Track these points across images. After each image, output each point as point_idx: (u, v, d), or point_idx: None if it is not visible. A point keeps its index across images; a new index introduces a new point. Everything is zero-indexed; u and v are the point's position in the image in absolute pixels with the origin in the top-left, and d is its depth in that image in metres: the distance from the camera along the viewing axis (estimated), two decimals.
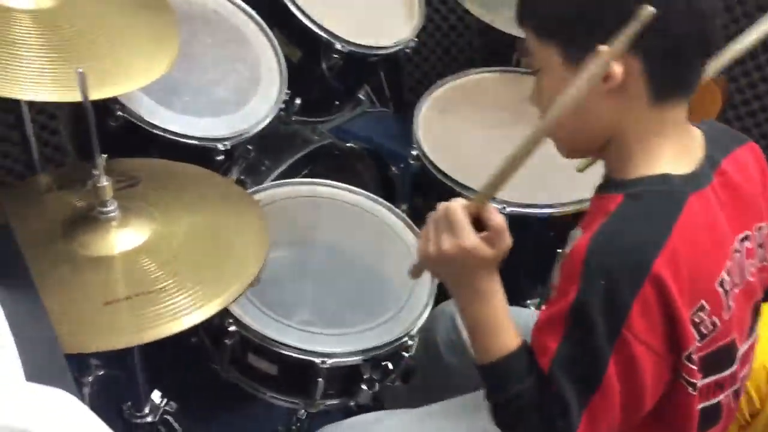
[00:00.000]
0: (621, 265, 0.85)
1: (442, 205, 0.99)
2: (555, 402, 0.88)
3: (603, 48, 0.85)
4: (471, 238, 0.95)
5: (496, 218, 0.98)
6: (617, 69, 0.88)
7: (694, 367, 0.91)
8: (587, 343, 0.87)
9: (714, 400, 0.99)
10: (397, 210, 1.65)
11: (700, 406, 0.96)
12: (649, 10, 0.82)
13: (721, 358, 0.97)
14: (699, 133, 0.99)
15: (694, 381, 0.92)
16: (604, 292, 0.85)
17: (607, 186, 1.00)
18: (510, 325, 0.98)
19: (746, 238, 0.98)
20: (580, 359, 0.88)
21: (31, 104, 1.39)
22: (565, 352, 0.88)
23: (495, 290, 0.98)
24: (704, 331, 0.92)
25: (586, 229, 0.93)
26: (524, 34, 0.98)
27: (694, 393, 0.93)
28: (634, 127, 0.94)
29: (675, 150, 0.94)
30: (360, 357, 1.35)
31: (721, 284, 0.93)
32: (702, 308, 0.90)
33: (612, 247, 0.87)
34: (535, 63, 0.98)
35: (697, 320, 0.90)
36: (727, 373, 0.99)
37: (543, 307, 0.99)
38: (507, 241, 0.98)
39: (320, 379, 1.35)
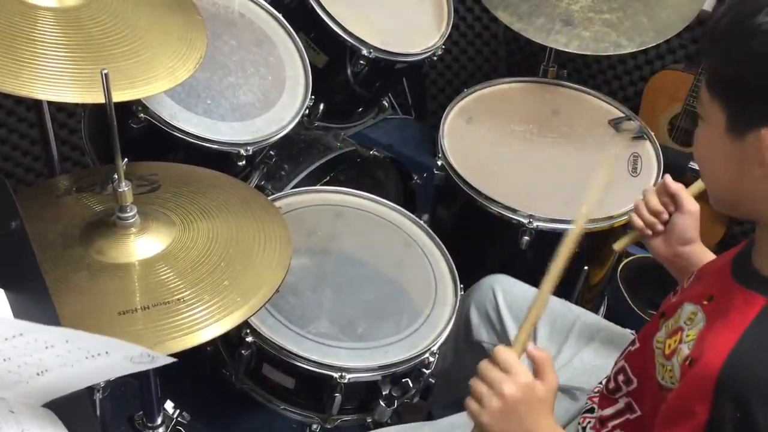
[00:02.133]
0: (760, 397, 0.78)
1: (487, 360, 0.95)
2: None
3: (767, 134, 0.78)
4: (527, 374, 0.92)
5: (538, 353, 0.94)
6: None
7: None
8: None
9: None
10: (419, 221, 1.61)
11: None
12: None
13: None
14: None
15: None
16: (739, 423, 0.79)
17: (748, 277, 0.89)
18: None
19: None
20: None
21: (51, 102, 1.37)
22: None
23: None
24: None
25: (713, 326, 0.87)
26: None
27: None
28: None
29: None
30: (379, 373, 1.32)
31: None
32: None
33: (751, 373, 0.80)
34: (700, 110, 0.89)
35: None
36: None
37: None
38: (554, 375, 0.94)
39: (337, 394, 1.31)
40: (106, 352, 0.67)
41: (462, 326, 1.52)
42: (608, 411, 1.10)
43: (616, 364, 1.14)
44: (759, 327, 0.82)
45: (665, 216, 1.18)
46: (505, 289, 1.47)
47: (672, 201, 1.16)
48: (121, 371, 0.72)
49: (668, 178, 1.15)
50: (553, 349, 1.39)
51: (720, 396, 0.80)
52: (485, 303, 1.46)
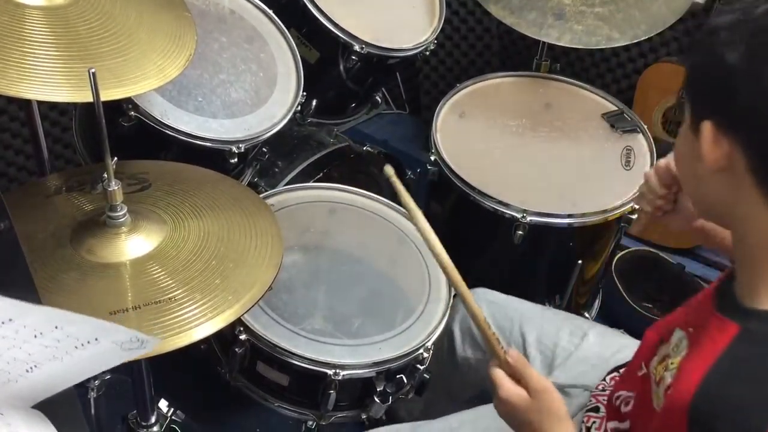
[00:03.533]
0: (731, 425, 0.77)
1: None
2: None
3: (706, 125, 0.81)
4: (503, 387, 0.98)
5: (512, 362, 0.99)
6: (708, 150, 0.81)
7: None
8: None
9: None
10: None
11: None
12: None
13: None
14: None
15: None
16: None
17: (725, 304, 0.88)
18: None
19: None
20: None
21: (42, 101, 1.36)
22: None
23: None
24: None
25: (691, 353, 0.87)
26: None
27: None
28: (756, 234, 0.83)
29: None
30: (374, 369, 1.32)
31: None
32: None
33: (721, 405, 0.79)
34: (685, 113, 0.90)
35: None
36: None
37: None
38: (536, 378, 0.97)
39: (332, 391, 1.31)
40: (96, 339, 0.67)
41: (445, 342, 1.51)
42: (612, 424, 1.10)
43: (622, 379, 1.14)
44: (730, 356, 0.81)
45: (671, 197, 1.16)
46: (487, 302, 1.46)
47: (675, 180, 1.14)
48: (110, 362, 0.72)
49: (664, 161, 1.12)
50: (547, 351, 1.39)
51: (694, 426, 0.80)
52: (467, 319, 1.45)
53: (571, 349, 1.36)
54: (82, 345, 0.67)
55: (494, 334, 1.00)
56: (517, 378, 0.98)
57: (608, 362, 1.27)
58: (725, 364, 0.80)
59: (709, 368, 0.80)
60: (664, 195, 1.15)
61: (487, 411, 1.28)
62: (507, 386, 0.98)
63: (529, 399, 0.97)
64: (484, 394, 1.50)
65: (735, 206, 0.84)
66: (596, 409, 1.16)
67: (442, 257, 0.97)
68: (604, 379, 1.22)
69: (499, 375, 0.99)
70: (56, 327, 0.65)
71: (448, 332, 1.49)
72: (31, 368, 0.68)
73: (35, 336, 0.65)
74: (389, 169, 1.01)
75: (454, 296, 1.45)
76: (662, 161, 1.13)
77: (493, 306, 1.46)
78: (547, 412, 0.97)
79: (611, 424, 1.10)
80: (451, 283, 1.01)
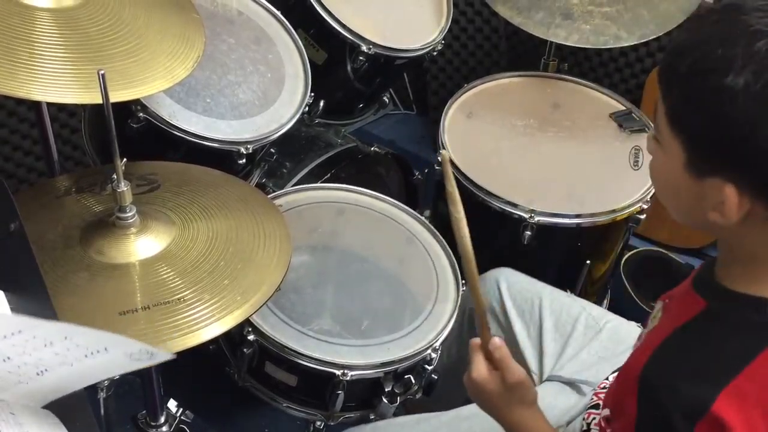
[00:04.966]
0: (676, 400, 0.78)
1: None
2: None
3: (730, 190, 0.76)
4: (477, 371, 1.00)
5: (493, 348, 1.00)
6: (734, 211, 0.78)
7: None
8: None
9: None
10: (421, 217, 1.61)
11: None
12: None
13: None
14: None
15: None
16: (661, 425, 0.79)
17: (701, 281, 0.89)
18: None
19: None
20: None
21: (51, 103, 1.37)
22: None
23: (528, 425, 1.00)
24: None
25: (662, 318, 0.88)
26: (659, 95, 0.84)
27: None
28: (748, 237, 0.82)
29: None
30: (382, 370, 1.32)
31: None
32: None
33: (668, 377, 0.80)
34: (657, 135, 0.85)
35: None
36: None
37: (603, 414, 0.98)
38: (510, 369, 0.99)
39: (340, 392, 1.31)
40: (105, 349, 0.67)
41: (467, 319, 1.52)
42: (606, 411, 1.10)
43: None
44: (687, 330, 0.82)
45: None
46: (509, 282, 1.47)
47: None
48: (120, 369, 0.72)
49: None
50: (560, 341, 1.39)
51: (642, 395, 0.81)
52: (489, 296, 1.46)
53: (584, 343, 1.36)
54: (92, 354, 0.67)
55: (487, 323, 1.03)
56: (494, 365, 1.00)
57: (618, 358, 1.27)
58: (679, 337, 0.82)
59: (663, 340, 0.82)
60: None
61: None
62: (480, 369, 1.00)
63: (501, 389, 0.99)
64: None
65: (735, 233, 0.82)
66: (597, 406, 1.16)
67: (466, 242, 1.00)
68: (607, 378, 1.22)
69: (478, 355, 1.01)
70: (66, 338, 0.65)
71: (469, 309, 1.51)
72: (41, 372, 0.68)
73: (45, 345, 0.65)
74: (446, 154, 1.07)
75: (462, 296, 1.45)
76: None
77: (516, 286, 1.47)
78: (516, 404, 1.00)
79: (604, 411, 1.11)
80: (465, 269, 1.03)
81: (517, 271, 1.54)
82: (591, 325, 1.40)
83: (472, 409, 1.30)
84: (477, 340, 1.03)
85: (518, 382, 0.99)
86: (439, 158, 1.69)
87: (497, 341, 1.00)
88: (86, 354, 0.67)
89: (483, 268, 1.54)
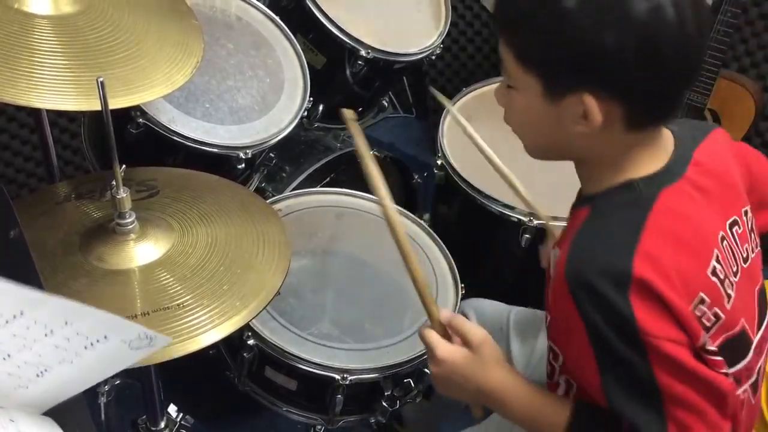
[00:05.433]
0: (601, 279, 0.84)
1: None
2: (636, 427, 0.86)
3: (588, 99, 0.85)
4: (443, 347, 0.98)
5: (446, 319, 1.01)
6: (597, 116, 0.86)
7: (719, 358, 0.88)
8: (620, 362, 0.85)
9: None
10: (419, 221, 1.61)
11: None
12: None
13: (733, 349, 0.94)
14: (668, 133, 0.96)
15: (724, 371, 0.89)
16: (602, 309, 0.84)
17: (578, 201, 1.01)
18: (549, 404, 0.97)
19: (735, 223, 0.96)
20: (628, 382, 0.85)
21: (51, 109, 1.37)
22: (611, 383, 0.86)
23: (507, 387, 0.98)
24: (707, 323, 0.89)
25: (561, 247, 0.93)
26: (501, 47, 0.92)
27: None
28: (606, 150, 0.92)
29: (642, 155, 0.92)
30: (381, 374, 1.32)
31: (714, 273, 0.90)
32: (702, 301, 0.88)
33: (585, 264, 0.86)
34: (510, 81, 0.93)
35: (698, 314, 0.88)
36: (741, 365, 0.95)
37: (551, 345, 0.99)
38: (475, 330, 0.98)
39: (340, 396, 1.31)
40: (105, 337, 0.68)
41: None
42: None
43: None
44: (586, 226, 0.90)
45: None
46: (478, 312, 1.46)
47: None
48: (119, 364, 0.72)
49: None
50: (527, 353, 1.38)
51: (575, 293, 0.85)
52: (481, 307, 1.45)
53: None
54: (92, 344, 0.68)
55: (430, 295, 1.03)
56: (449, 338, 1.00)
57: None
58: (583, 233, 0.90)
59: (572, 240, 0.89)
60: None
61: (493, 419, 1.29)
62: (443, 345, 0.99)
63: (470, 354, 0.98)
64: None
65: (592, 147, 0.92)
66: None
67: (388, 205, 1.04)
68: None
69: (433, 336, 1.00)
70: (66, 323, 0.65)
71: None
72: (41, 372, 0.69)
73: (45, 335, 0.66)
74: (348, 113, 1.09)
75: (462, 299, 1.46)
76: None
77: (485, 315, 1.45)
78: (488, 362, 0.98)
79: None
80: (392, 233, 1.05)
81: (513, 275, 1.54)
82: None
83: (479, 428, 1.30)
84: (424, 327, 1.03)
85: (483, 340, 0.98)
86: (438, 161, 1.69)
87: (446, 313, 1.01)
88: (86, 345, 0.67)
89: (480, 274, 1.54)
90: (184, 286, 1.03)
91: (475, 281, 1.55)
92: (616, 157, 0.92)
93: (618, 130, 0.88)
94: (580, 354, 0.89)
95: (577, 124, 0.88)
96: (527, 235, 1.58)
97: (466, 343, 0.98)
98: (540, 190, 1.65)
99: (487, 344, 0.98)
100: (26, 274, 0.86)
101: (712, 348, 0.88)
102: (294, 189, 1.73)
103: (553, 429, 0.95)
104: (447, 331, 1.01)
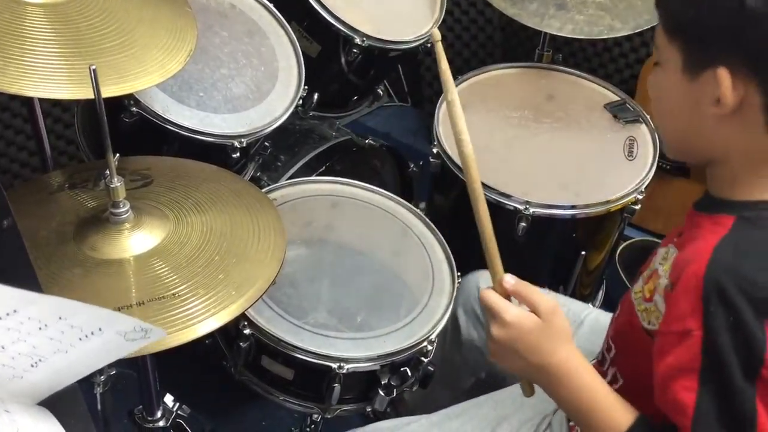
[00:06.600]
0: (747, 297, 0.79)
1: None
2: None
3: (723, 72, 0.82)
4: (512, 312, 0.92)
5: (513, 288, 0.95)
6: (729, 96, 0.83)
7: None
8: (729, 388, 0.80)
9: None
10: (416, 209, 1.61)
11: None
12: None
13: None
14: None
15: None
16: (734, 328, 0.79)
17: (711, 205, 0.93)
18: (613, 401, 0.90)
19: None
20: (726, 409, 0.80)
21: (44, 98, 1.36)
22: (706, 405, 0.81)
23: (572, 368, 0.92)
24: None
25: (685, 248, 0.88)
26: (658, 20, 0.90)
27: None
28: (746, 152, 0.88)
29: None
30: (378, 362, 1.32)
31: None
32: None
33: (735, 276, 0.80)
34: (657, 56, 0.91)
35: None
36: None
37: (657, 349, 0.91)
38: (546, 300, 0.92)
39: (336, 385, 1.31)
40: (100, 329, 0.67)
41: (449, 327, 1.50)
42: None
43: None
44: (734, 234, 0.84)
45: None
46: (489, 283, 1.45)
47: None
48: (114, 354, 0.72)
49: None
50: None
51: (709, 302, 0.80)
52: (471, 301, 1.45)
53: None
54: (86, 336, 0.67)
55: (497, 255, 0.98)
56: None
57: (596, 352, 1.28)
58: (731, 241, 0.83)
59: (716, 246, 0.83)
60: None
61: (487, 399, 1.29)
62: (513, 307, 0.92)
63: (540, 322, 0.91)
64: (484, 381, 1.51)
65: (731, 145, 0.87)
66: None
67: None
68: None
69: (499, 297, 0.94)
70: (60, 318, 0.65)
71: (452, 316, 1.48)
72: (36, 363, 0.68)
73: (40, 328, 0.65)
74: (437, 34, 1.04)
75: (457, 288, 1.45)
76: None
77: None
78: (558, 334, 0.92)
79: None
80: (465, 170, 1.03)
81: (511, 264, 1.53)
82: (572, 320, 1.39)
83: (464, 406, 1.30)
84: (487, 290, 0.96)
85: (554, 310, 0.92)
86: (434, 150, 1.69)
87: (511, 277, 0.95)
88: (80, 337, 0.67)
89: (476, 263, 1.53)
90: (180, 276, 1.02)
91: (472, 270, 1.55)
92: (759, 166, 0.87)
93: (756, 122, 0.84)
94: (679, 360, 0.83)
95: (711, 107, 0.84)
96: (523, 224, 1.57)
97: (535, 311, 0.92)
98: (535, 180, 1.65)
99: (558, 315, 0.92)
100: (19, 265, 0.85)
101: None
102: (289, 178, 1.72)
103: (609, 428, 0.89)
104: (509, 297, 0.96)
